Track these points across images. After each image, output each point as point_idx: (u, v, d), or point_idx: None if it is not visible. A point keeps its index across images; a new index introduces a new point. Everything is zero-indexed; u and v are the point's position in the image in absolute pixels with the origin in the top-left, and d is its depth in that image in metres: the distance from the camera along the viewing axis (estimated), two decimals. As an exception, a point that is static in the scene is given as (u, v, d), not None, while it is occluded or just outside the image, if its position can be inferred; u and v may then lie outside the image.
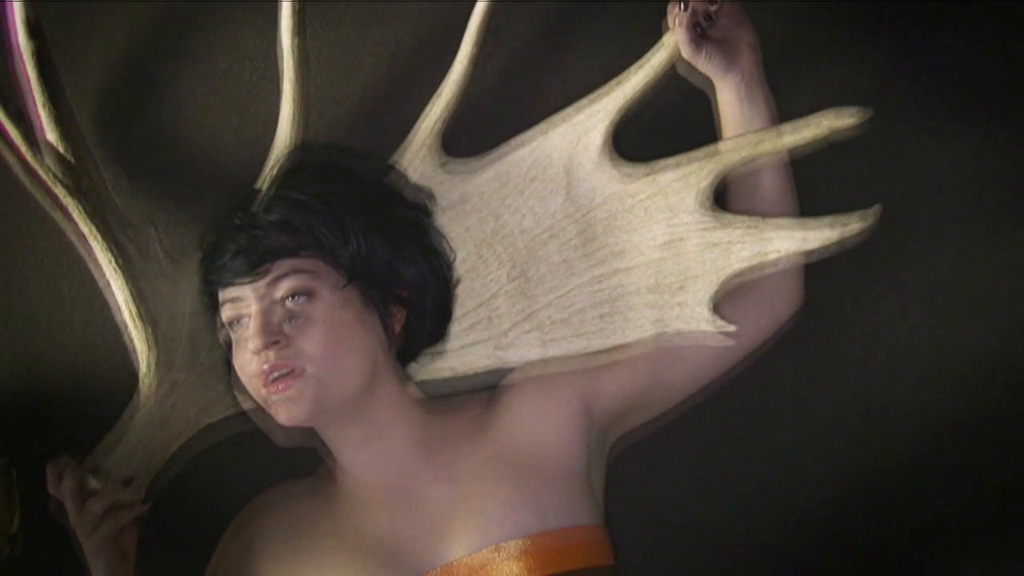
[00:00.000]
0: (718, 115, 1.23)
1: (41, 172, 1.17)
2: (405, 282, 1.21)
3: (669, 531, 1.43)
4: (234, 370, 1.18)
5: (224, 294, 1.17)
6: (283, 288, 1.15)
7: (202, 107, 1.34)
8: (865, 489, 1.40)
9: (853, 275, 1.38)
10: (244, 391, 1.18)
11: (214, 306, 1.19)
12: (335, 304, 1.17)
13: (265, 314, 1.14)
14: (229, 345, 1.19)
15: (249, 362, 1.15)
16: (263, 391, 1.15)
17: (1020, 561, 1.39)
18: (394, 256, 1.20)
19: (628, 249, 1.22)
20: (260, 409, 1.18)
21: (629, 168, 1.22)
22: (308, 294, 1.16)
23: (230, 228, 1.17)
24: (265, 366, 1.13)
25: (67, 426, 1.28)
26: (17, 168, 1.21)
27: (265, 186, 1.19)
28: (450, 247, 1.26)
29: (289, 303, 1.15)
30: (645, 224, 1.21)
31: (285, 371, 1.13)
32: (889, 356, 1.40)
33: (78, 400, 1.34)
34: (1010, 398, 1.38)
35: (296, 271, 1.15)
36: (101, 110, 1.33)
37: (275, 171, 1.20)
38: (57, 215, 1.22)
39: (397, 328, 1.22)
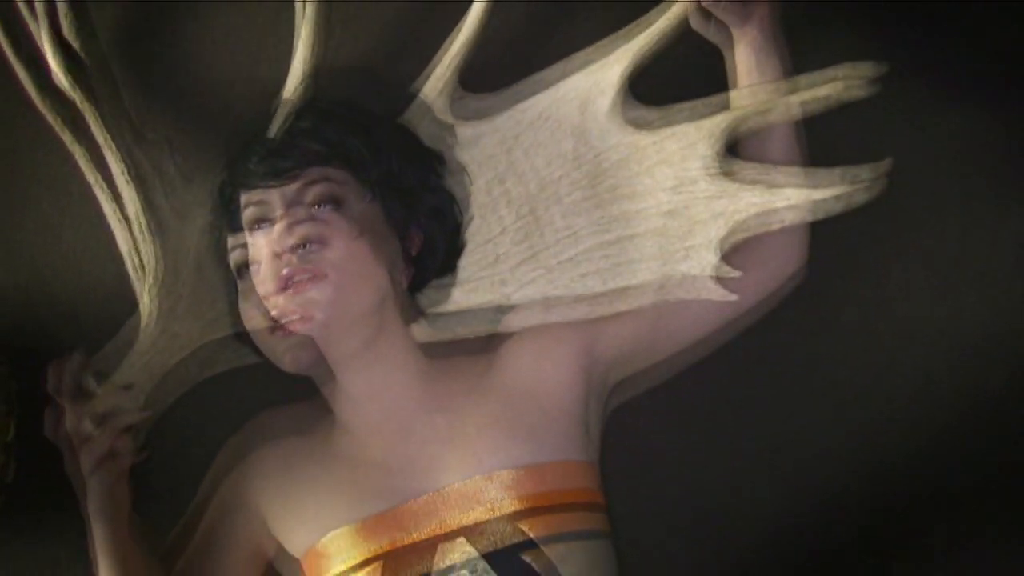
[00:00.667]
0: (732, 66, 1.24)
1: (60, 74, 1.18)
2: (425, 209, 1.23)
3: (665, 489, 1.43)
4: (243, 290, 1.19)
5: (248, 196, 1.18)
6: (312, 194, 1.17)
7: (222, 30, 1.35)
8: (864, 457, 1.41)
9: (858, 241, 1.39)
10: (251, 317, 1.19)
11: (229, 217, 1.20)
12: (360, 216, 1.18)
13: (292, 217, 1.16)
14: (241, 265, 1.20)
15: (268, 269, 1.15)
16: (279, 299, 1.15)
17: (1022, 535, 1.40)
18: (418, 182, 1.23)
19: (637, 192, 1.23)
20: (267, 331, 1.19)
21: (643, 111, 1.23)
22: (336, 203, 1.17)
23: (260, 134, 1.19)
24: (286, 270, 1.14)
25: (69, 339, 1.26)
26: (29, 78, 1.21)
27: (291, 102, 1.21)
28: (470, 178, 1.27)
29: (315, 210, 1.16)
30: (656, 167, 1.22)
31: (306, 275, 1.14)
32: (889, 325, 1.40)
33: (81, 316, 1.34)
34: (1013, 371, 1.39)
35: (326, 179, 1.17)
36: (118, 28, 1.34)
37: (301, 91, 1.21)
38: (66, 129, 1.22)
39: (413, 253, 1.23)
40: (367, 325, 1.19)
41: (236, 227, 1.20)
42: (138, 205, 1.21)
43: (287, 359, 1.17)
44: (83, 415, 1.13)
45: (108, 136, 1.20)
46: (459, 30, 1.25)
